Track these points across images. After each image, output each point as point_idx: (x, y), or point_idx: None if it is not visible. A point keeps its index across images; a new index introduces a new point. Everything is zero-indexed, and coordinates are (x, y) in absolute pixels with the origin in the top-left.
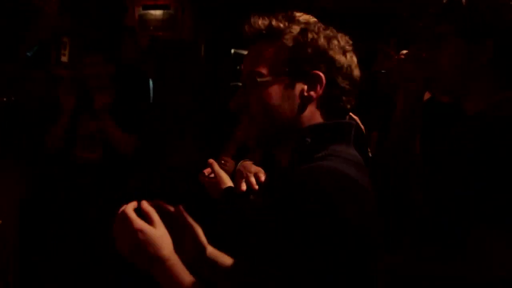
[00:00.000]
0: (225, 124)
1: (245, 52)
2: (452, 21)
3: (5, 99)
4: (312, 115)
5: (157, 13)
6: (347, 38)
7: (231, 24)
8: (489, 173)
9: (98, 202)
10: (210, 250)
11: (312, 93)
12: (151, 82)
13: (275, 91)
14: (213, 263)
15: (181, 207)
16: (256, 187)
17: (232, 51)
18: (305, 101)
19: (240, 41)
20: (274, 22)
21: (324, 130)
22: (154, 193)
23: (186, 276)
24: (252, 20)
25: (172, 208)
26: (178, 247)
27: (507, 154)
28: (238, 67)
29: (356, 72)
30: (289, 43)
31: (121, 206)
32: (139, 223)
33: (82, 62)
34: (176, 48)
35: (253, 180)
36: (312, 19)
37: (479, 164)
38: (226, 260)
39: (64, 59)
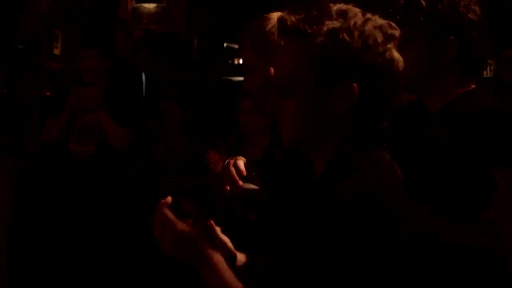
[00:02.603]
0: (217, 118)
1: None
2: (414, 24)
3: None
4: (347, 121)
5: (150, 6)
6: (390, 26)
7: (224, 18)
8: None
9: (92, 194)
10: (240, 257)
11: (343, 104)
12: (143, 76)
13: (303, 98)
14: (244, 271)
15: (211, 222)
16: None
17: (225, 44)
18: (336, 108)
19: (232, 34)
20: (301, 24)
21: (359, 139)
22: (151, 185)
23: (229, 274)
24: (283, 15)
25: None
26: None
27: (469, 146)
28: (230, 61)
29: (396, 67)
30: (318, 49)
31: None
32: (180, 224)
33: (78, 55)
34: (169, 41)
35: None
36: (350, 12)
37: (449, 159)
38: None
39: (56, 52)
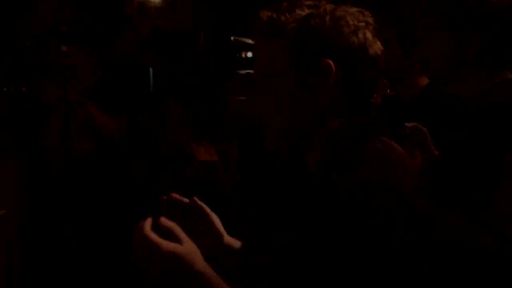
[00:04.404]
0: (224, 113)
1: (245, 40)
2: (440, 15)
3: (11, 89)
4: (332, 108)
5: (157, 1)
6: (361, 13)
7: (231, 12)
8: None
9: (93, 192)
10: (227, 238)
11: (324, 85)
12: (151, 71)
13: (284, 91)
14: (230, 251)
15: (195, 198)
16: None
17: (232, 38)
18: (319, 95)
19: (239, 28)
20: (274, 15)
21: (348, 128)
22: (154, 181)
23: (223, 285)
24: (258, 15)
25: (186, 200)
26: (195, 237)
27: (501, 141)
28: (237, 55)
29: (372, 50)
30: (291, 35)
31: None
32: (165, 246)
33: (86, 52)
34: (176, 36)
35: None
36: (321, 3)
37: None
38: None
39: (64, 48)
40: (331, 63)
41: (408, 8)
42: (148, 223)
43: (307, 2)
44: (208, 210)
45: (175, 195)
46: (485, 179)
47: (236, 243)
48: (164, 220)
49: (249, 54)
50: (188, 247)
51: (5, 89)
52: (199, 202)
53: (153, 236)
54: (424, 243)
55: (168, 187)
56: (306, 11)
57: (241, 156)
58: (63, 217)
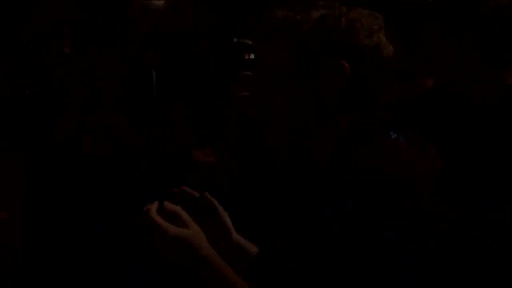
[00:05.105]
0: (227, 115)
1: (248, 41)
2: (440, 15)
3: (26, 91)
4: (342, 107)
5: (160, 2)
6: (375, 16)
7: (234, 13)
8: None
9: (107, 195)
10: (236, 236)
11: (335, 84)
12: (154, 74)
13: (293, 89)
14: (238, 249)
15: (207, 194)
16: None
17: (235, 40)
18: (329, 94)
19: (240, 28)
20: (290, 14)
21: (357, 125)
22: (161, 181)
23: (228, 270)
24: (268, 12)
25: (196, 193)
26: (205, 233)
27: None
28: (240, 57)
29: (386, 52)
30: (306, 34)
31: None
32: (171, 230)
33: (90, 53)
34: (178, 38)
35: None
36: (335, 5)
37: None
38: (252, 248)
39: (67, 50)
40: (345, 63)
41: (409, 9)
42: (154, 207)
43: (321, 3)
44: (219, 207)
45: (187, 188)
46: (493, 180)
47: (244, 241)
48: (168, 204)
49: (252, 56)
50: (193, 231)
51: (9, 92)
52: (210, 198)
53: (159, 220)
54: (427, 242)
55: (168, 187)
56: (321, 11)
57: (242, 156)
58: (68, 220)
